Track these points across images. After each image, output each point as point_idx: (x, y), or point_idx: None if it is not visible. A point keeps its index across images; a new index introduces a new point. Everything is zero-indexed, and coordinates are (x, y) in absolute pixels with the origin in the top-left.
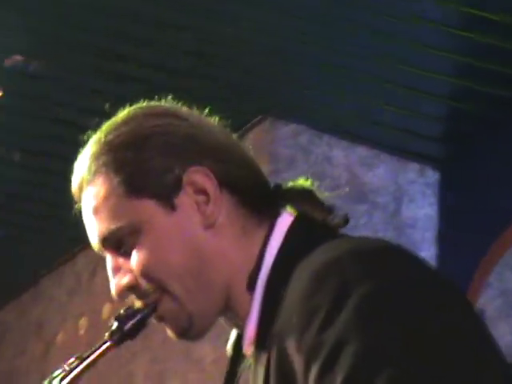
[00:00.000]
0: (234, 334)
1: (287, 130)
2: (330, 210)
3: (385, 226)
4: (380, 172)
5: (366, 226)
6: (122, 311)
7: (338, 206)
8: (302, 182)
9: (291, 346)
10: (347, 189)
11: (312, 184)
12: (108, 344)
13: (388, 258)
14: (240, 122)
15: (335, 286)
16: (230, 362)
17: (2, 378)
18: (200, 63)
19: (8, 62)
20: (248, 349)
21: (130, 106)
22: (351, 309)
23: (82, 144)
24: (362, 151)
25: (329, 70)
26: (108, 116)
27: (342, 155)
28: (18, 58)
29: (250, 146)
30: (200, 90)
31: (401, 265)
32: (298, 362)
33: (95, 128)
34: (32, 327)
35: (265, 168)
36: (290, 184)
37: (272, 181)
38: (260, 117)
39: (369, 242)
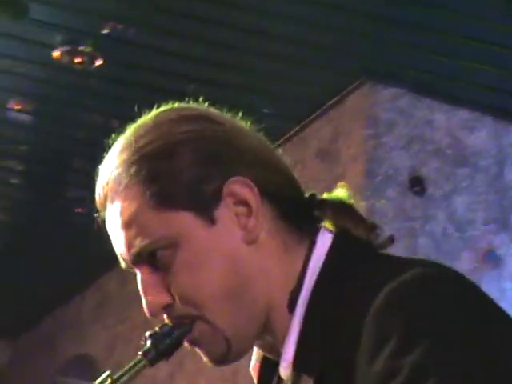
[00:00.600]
0: (255, 355)
1: (387, 93)
2: (372, 227)
3: (487, 188)
4: (482, 135)
5: (467, 189)
6: (156, 329)
7: (440, 170)
8: (340, 194)
9: (355, 371)
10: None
11: (349, 196)
12: (142, 364)
13: (456, 288)
14: (339, 87)
15: (408, 315)
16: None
17: (104, 346)
18: (298, 28)
19: (106, 29)
20: (285, 371)
21: (227, 72)
22: (428, 339)
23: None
24: (463, 114)
25: (428, 31)
26: (207, 84)
27: (444, 118)
28: (116, 25)
29: (350, 111)
30: (299, 55)
31: (469, 296)
32: None
33: (191, 96)
34: (133, 295)
35: (364, 132)
36: (326, 195)
37: (371, 145)
38: (359, 81)
39: (429, 267)
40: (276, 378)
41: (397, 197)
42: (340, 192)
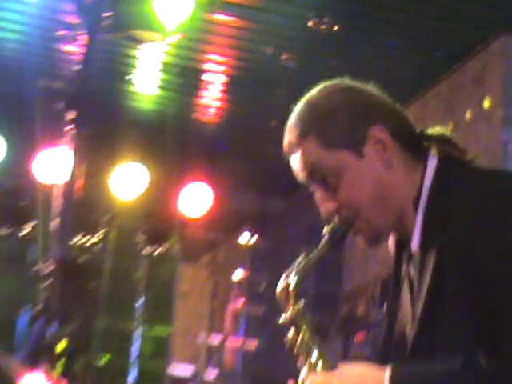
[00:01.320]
0: (391, 238)
1: None
2: (464, 150)
3: None
4: None
5: None
6: (330, 226)
7: None
8: (440, 129)
9: (470, 248)
10: None
11: (448, 131)
12: (324, 250)
13: None
14: (482, 37)
15: (505, 215)
16: (396, 258)
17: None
18: None
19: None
20: (414, 247)
21: None
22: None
23: None
24: None
25: None
26: None
27: None
28: None
29: (495, 51)
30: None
31: None
32: (480, 260)
33: None
34: None
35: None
36: (431, 130)
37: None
38: (503, 33)
39: None
40: (407, 253)
41: None
42: (441, 129)
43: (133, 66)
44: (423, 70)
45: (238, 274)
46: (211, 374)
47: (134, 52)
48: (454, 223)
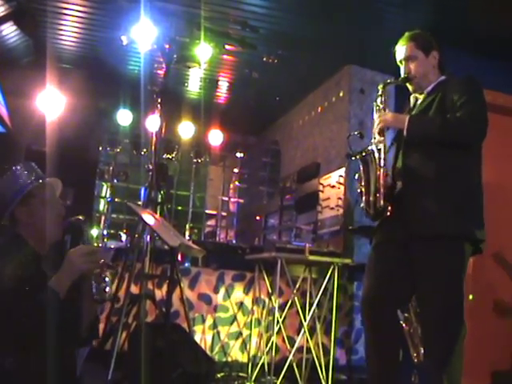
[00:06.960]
0: (412, 97)
1: None
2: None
3: None
4: None
5: None
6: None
7: None
8: (446, 73)
9: (453, 93)
10: None
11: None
12: (399, 81)
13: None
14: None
15: (474, 85)
16: (413, 100)
17: None
18: None
19: None
20: (427, 91)
21: None
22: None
23: None
24: None
25: None
26: None
27: None
28: None
29: None
30: None
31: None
32: (454, 98)
33: None
34: None
35: None
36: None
37: None
38: None
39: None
40: (414, 98)
41: None
42: (446, 73)
43: (187, 78)
44: (312, 74)
45: None
46: None
47: (188, 71)
48: (448, 85)
